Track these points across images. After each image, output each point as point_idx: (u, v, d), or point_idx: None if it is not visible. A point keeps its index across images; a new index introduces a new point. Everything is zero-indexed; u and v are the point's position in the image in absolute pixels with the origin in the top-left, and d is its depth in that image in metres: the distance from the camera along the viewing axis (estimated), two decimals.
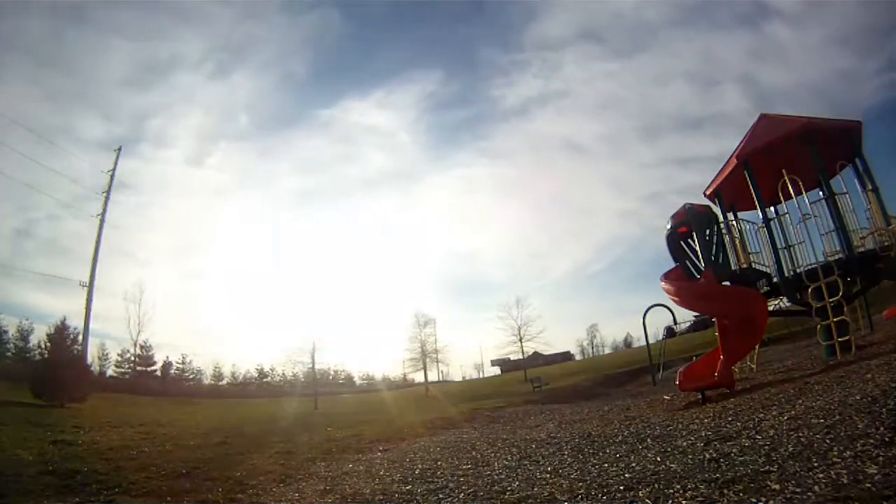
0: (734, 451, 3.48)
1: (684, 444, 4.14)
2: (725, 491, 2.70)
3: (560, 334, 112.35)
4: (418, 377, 37.41)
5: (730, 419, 4.72)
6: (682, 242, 9.24)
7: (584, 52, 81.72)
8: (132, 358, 37.23)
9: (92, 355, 29.04)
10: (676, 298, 8.72)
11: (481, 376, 62.86)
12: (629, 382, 18.86)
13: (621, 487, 3.23)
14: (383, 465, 5.74)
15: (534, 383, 21.27)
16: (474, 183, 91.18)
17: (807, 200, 7.98)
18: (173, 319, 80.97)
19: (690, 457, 3.64)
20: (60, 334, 15.82)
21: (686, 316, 27.56)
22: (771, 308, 8.78)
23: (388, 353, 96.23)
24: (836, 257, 7.55)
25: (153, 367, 39.69)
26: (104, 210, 21.17)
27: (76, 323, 17.53)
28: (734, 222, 9.44)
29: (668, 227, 9.18)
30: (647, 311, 15.58)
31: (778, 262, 8.30)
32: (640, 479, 3.32)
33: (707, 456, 3.53)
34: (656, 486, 3.08)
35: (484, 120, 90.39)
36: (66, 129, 51.23)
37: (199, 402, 27.67)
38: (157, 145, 62.44)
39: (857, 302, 9.33)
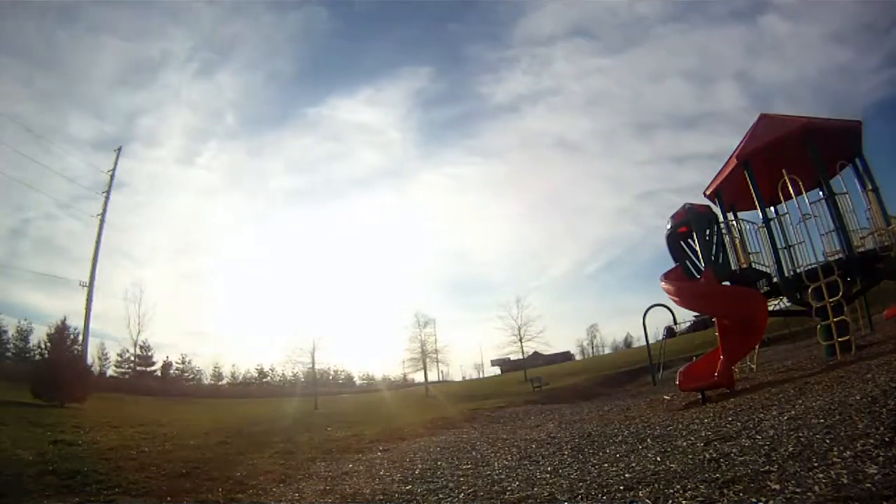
0: (734, 451, 3.47)
1: (684, 444, 4.14)
2: (725, 491, 2.70)
3: (560, 334, 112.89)
4: (418, 377, 37.42)
5: (730, 419, 4.72)
6: (682, 242, 9.25)
7: (575, 47, 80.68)
8: (132, 358, 37.25)
9: (92, 355, 29.06)
10: (676, 298, 8.72)
11: (481, 376, 62.83)
12: (629, 382, 18.87)
13: (621, 487, 3.23)
14: (383, 465, 5.74)
15: (534, 383, 21.26)
16: (468, 181, 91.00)
17: (807, 200, 7.99)
18: (172, 319, 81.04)
19: (690, 457, 3.64)
20: (60, 334, 15.77)
21: (686, 316, 27.67)
22: (771, 308, 8.78)
23: (388, 353, 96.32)
24: (836, 257, 7.55)
25: (153, 367, 39.73)
26: (104, 210, 21.19)
27: (74, 323, 17.58)
28: (734, 222, 9.44)
29: (668, 227, 9.19)
30: (647, 311, 15.61)
31: (778, 262, 8.30)
32: (640, 479, 3.32)
33: (707, 456, 3.53)
34: (656, 485, 3.08)
35: (475, 117, 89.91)
36: (58, 128, 51.27)
37: (199, 402, 27.68)
38: (148, 144, 62.40)
39: (857, 302, 9.33)
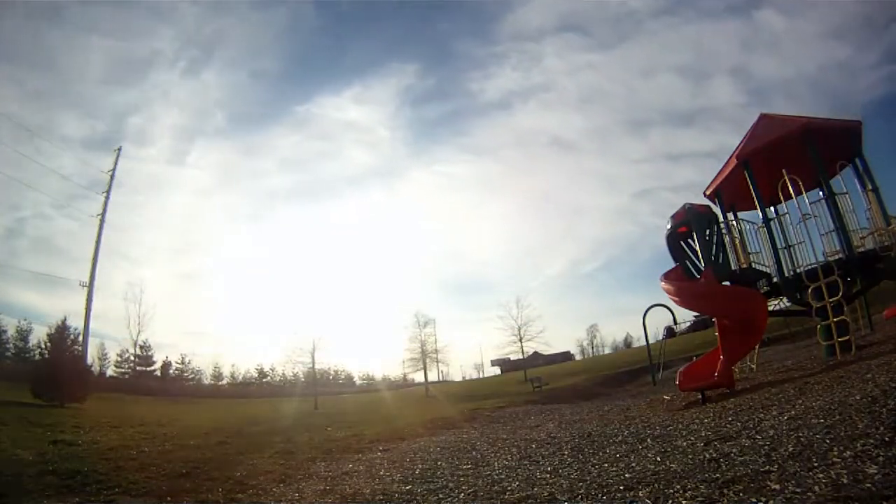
0: (734, 451, 3.47)
1: (684, 444, 4.14)
2: (725, 491, 2.70)
3: (560, 334, 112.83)
4: (418, 377, 37.43)
5: (730, 419, 4.72)
6: (682, 242, 9.25)
7: (565, 43, 79.74)
8: (132, 358, 37.27)
9: (92, 355, 29.07)
10: (676, 298, 8.73)
11: (481, 376, 62.85)
12: (629, 382, 18.87)
13: (621, 487, 3.23)
14: (383, 465, 5.74)
15: (534, 383, 21.26)
16: (461, 180, 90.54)
17: (807, 200, 7.99)
18: (172, 319, 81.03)
19: (690, 457, 3.64)
20: (60, 334, 15.76)
21: (686, 316, 27.68)
22: (771, 308, 8.78)
23: (388, 354, 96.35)
24: (836, 257, 7.55)
25: (153, 367, 39.77)
26: (104, 210, 21.22)
27: (74, 323, 17.55)
28: (734, 222, 9.44)
29: (668, 226, 9.19)
30: (647, 311, 15.61)
31: (778, 262, 8.30)
32: (640, 479, 3.32)
33: (707, 456, 3.53)
34: (656, 485, 3.08)
35: (465, 115, 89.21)
36: (48, 128, 51.07)
37: (199, 402, 27.68)
38: (139, 144, 62.04)
39: (857, 302, 9.33)
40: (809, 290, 7.34)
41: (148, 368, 38.94)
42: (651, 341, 15.96)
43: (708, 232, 8.71)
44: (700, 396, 6.93)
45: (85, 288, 19.82)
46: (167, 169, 67.92)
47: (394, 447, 7.24)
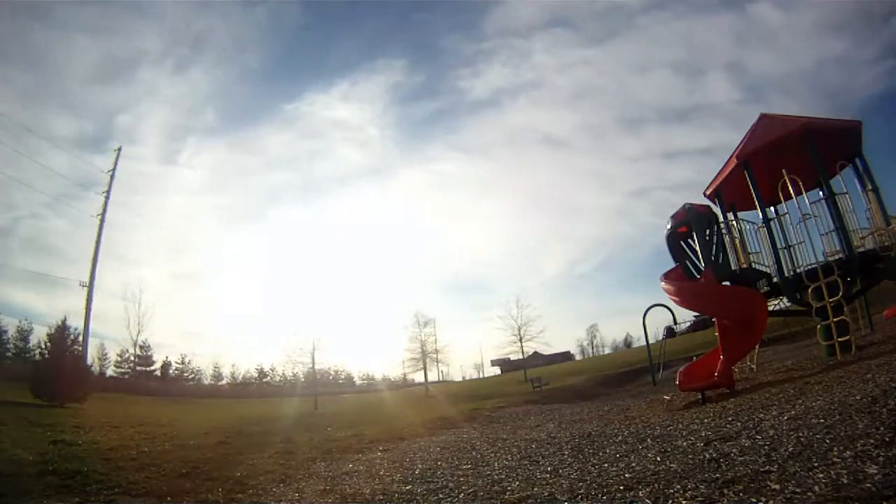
0: (734, 451, 3.47)
1: (684, 444, 4.14)
2: (725, 491, 2.70)
3: (560, 334, 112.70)
4: (418, 377, 37.49)
5: (730, 419, 4.72)
6: (682, 242, 9.25)
7: (554, 38, 78.07)
8: (132, 358, 37.28)
9: (92, 355, 29.12)
10: (676, 298, 8.73)
11: (481, 376, 62.87)
12: (629, 382, 18.85)
13: (621, 487, 3.23)
14: (383, 465, 5.74)
15: (534, 383, 21.25)
16: (452, 178, 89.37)
17: (807, 200, 7.99)
18: (171, 319, 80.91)
19: (690, 457, 3.64)
20: (60, 334, 15.75)
21: (686, 316, 27.59)
22: (771, 308, 8.79)
23: (388, 354, 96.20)
24: (836, 257, 7.55)
25: (153, 367, 39.80)
26: (104, 210, 21.19)
27: (74, 323, 17.52)
28: (734, 222, 9.44)
29: (668, 226, 9.19)
30: (647, 311, 15.63)
31: (778, 262, 8.30)
32: (640, 478, 3.33)
33: (707, 456, 3.53)
34: (656, 485, 3.08)
35: (455, 112, 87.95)
36: (37, 127, 51.11)
37: (199, 402, 27.68)
38: (130, 142, 61.41)
39: (857, 302, 9.33)
40: (809, 290, 7.34)
41: (148, 368, 38.99)
42: (651, 341, 16.00)
43: (708, 232, 8.71)
44: (700, 396, 6.93)
45: (85, 288, 19.80)
46: (160, 168, 67.55)
47: (394, 447, 7.24)
